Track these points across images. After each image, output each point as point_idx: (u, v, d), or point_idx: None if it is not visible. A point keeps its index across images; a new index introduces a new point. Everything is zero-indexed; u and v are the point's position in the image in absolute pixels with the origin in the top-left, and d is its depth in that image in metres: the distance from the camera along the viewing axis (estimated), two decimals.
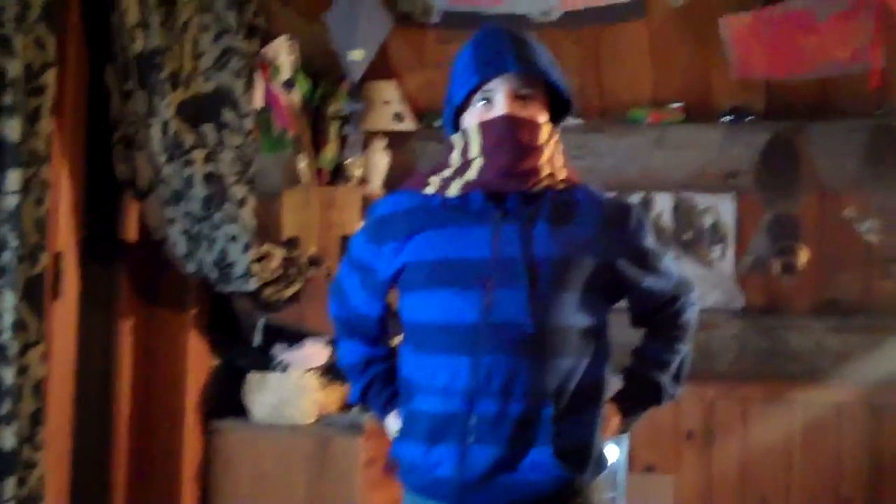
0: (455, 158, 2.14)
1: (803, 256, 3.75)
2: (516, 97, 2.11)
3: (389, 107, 4.00)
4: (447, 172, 2.16)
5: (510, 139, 2.10)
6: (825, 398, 4.41)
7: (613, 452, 4.58)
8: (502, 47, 2.12)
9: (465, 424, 2.06)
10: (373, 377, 2.31)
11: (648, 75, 3.88)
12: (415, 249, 2.14)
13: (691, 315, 2.35)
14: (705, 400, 4.53)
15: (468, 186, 2.13)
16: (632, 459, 4.55)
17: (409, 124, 4.11)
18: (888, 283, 3.73)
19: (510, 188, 2.12)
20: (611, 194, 2.26)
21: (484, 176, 2.11)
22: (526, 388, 2.06)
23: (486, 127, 2.11)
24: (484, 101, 2.12)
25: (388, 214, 2.20)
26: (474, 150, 2.12)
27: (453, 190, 2.13)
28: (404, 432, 2.15)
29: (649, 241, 2.27)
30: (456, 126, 2.18)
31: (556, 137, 2.20)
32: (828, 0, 3.45)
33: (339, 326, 2.35)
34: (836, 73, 3.61)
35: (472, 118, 2.13)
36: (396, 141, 4.13)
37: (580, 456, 2.09)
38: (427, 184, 2.18)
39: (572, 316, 2.11)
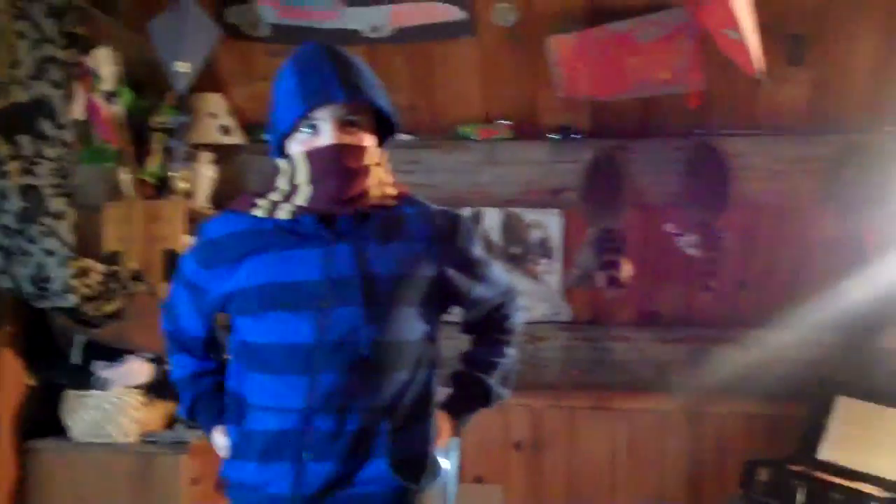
0: (283, 183, 2.14)
1: (627, 270, 3.85)
2: (343, 124, 2.12)
3: (216, 119, 3.92)
4: (275, 196, 2.14)
5: (337, 167, 2.11)
6: (648, 407, 4.54)
7: (444, 463, 4.60)
8: (327, 73, 2.10)
9: (301, 442, 2.06)
10: (201, 391, 2.29)
11: (478, 92, 3.92)
12: (246, 273, 2.12)
13: (517, 320, 2.41)
14: (533, 410, 4.60)
15: (298, 211, 2.12)
16: (461, 470, 4.58)
17: (236, 137, 4.04)
18: (707, 296, 3.86)
19: (340, 212, 2.12)
20: (440, 207, 2.28)
21: (313, 202, 2.11)
22: (363, 404, 2.08)
23: (313, 155, 2.11)
24: (310, 130, 2.12)
25: (217, 238, 2.17)
26: (302, 177, 2.11)
27: (283, 213, 2.12)
28: (236, 452, 2.13)
29: (477, 250, 2.31)
30: (282, 149, 2.17)
31: (384, 157, 2.22)
32: (650, 23, 3.54)
33: (169, 341, 2.34)
34: (658, 94, 3.72)
35: (299, 145, 2.12)
36: (223, 154, 4.07)
37: (416, 465, 2.13)
38: (256, 206, 2.16)
39: (408, 330, 2.14)
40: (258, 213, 2.15)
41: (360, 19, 3.60)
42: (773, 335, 4.29)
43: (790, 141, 3.81)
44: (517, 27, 3.64)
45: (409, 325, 2.14)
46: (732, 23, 2.92)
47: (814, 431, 4.09)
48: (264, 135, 3.29)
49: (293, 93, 2.11)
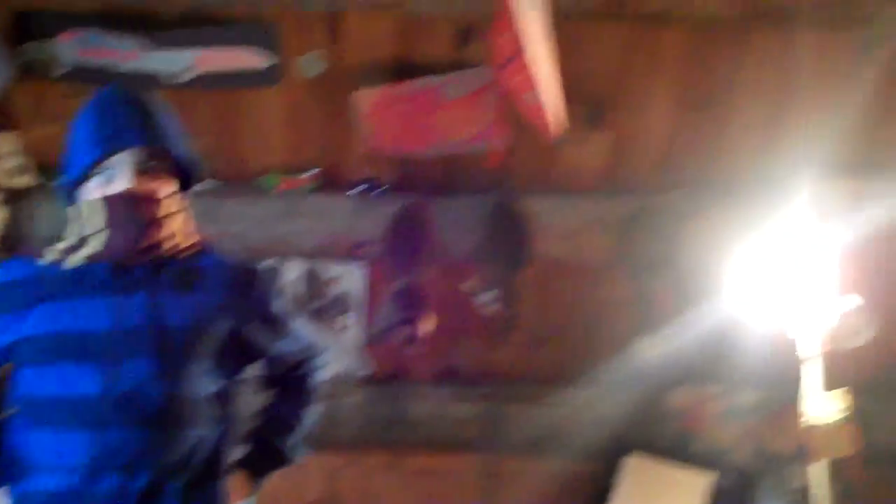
0: (75, 230, 2.07)
1: (427, 326, 3.85)
2: (141, 170, 2.07)
3: (8, 160, 3.73)
4: (67, 243, 2.07)
5: (132, 216, 2.06)
6: (446, 465, 4.54)
7: None
8: (125, 118, 2.08)
9: (85, 501, 1.97)
10: None
11: (283, 142, 3.87)
12: (33, 322, 2.03)
13: (320, 378, 2.38)
14: (329, 468, 4.52)
15: (91, 258, 2.06)
16: None
17: (28, 179, 3.85)
18: (505, 353, 3.90)
19: (135, 261, 2.07)
20: (240, 259, 2.24)
21: (107, 250, 2.06)
22: (152, 461, 2.01)
23: (108, 202, 2.06)
24: (105, 176, 2.06)
25: (2, 283, 2.08)
26: (95, 224, 2.06)
27: (74, 260, 2.06)
28: None
29: (278, 304, 2.27)
30: (76, 194, 2.09)
31: (184, 205, 2.16)
32: (455, 81, 3.59)
33: None
34: (462, 151, 3.77)
35: (94, 191, 2.07)
36: (14, 196, 3.86)
37: None
38: (45, 252, 2.07)
39: (202, 385, 2.09)
40: (47, 259, 2.07)
41: (163, 62, 3.50)
42: (568, 393, 4.38)
43: (587, 201, 3.92)
44: (324, 78, 3.62)
45: (204, 380, 2.09)
46: (531, 86, 2.99)
47: (605, 490, 4.19)
48: (58, 177, 3.14)
49: (89, 137, 2.07)
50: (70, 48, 3.45)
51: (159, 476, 2.02)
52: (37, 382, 2.03)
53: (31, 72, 3.50)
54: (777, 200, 3.74)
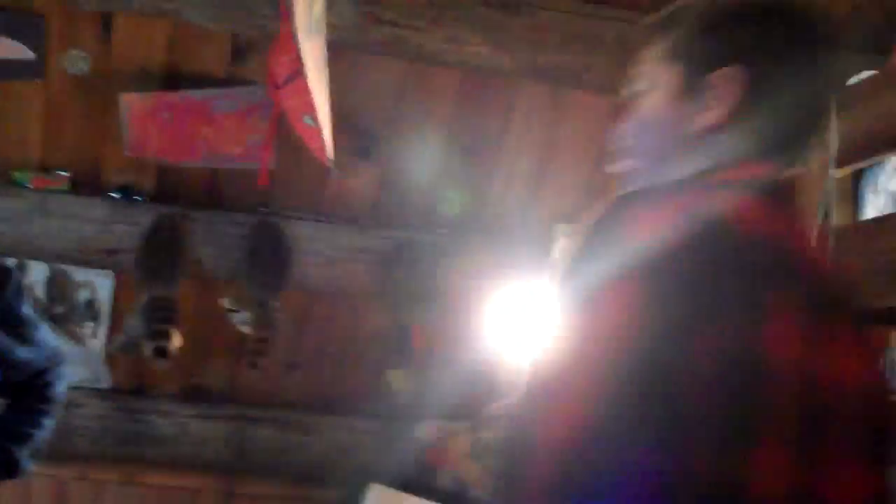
0: None
1: (176, 341, 3.74)
2: None
3: None
4: None
5: None
6: (182, 483, 4.42)
7: None
8: None
9: None
10: None
11: (38, 138, 3.67)
12: None
13: (61, 388, 2.30)
14: (58, 482, 4.33)
15: None
16: None
17: None
18: (254, 375, 3.83)
19: None
20: None
21: None
22: None
23: None
24: None
25: None
26: None
27: None
28: None
29: (26, 308, 2.19)
30: None
31: None
32: (227, 96, 3.52)
33: None
34: (227, 167, 3.70)
35: None
36: None
37: None
38: None
39: None
40: None
41: None
42: (316, 419, 4.35)
43: (352, 231, 3.92)
44: (89, 78, 3.47)
45: None
46: (310, 109, 2.96)
47: None
48: None
49: None
50: None
51: None
52: None
53: None
54: (536, 247, 3.87)
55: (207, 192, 3.89)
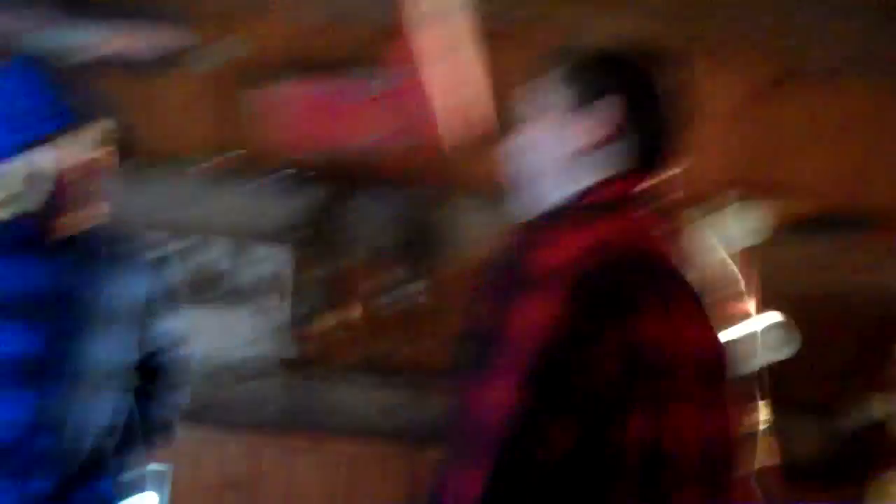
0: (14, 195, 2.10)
1: (354, 312, 3.85)
2: (93, 145, 2.17)
3: None
4: None
5: (83, 185, 2.15)
6: (368, 450, 4.55)
7: (152, 500, 4.46)
8: (73, 93, 2.16)
9: (23, 459, 2.03)
10: None
11: (211, 122, 3.85)
12: None
13: (180, 365, 2.67)
14: (251, 448, 4.53)
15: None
16: None
17: None
18: (431, 343, 3.90)
19: (64, 230, 2.15)
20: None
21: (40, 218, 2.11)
22: (84, 424, 2.14)
23: (63, 173, 2.11)
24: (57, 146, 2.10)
25: None
26: (41, 191, 2.09)
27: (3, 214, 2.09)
28: None
29: (160, 289, 2.37)
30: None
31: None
32: (369, 81, 3.61)
33: None
34: (382, 146, 3.78)
35: (45, 159, 2.09)
36: None
37: None
38: None
39: (113, 353, 2.22)
40: None
41: (74, 39, 3.48)
42: None
43: (507, 206, 3.90)
44: (243, 66, 3.62)
45: (111, 349, 2.26)
46: (456, 88, 2.99)
47: None
48: None
49: (46, 107, 2.11)
50: None
51: (96, 440, 2.16)
52: None
53: None
54: None
55: (370, 172, 3.98)
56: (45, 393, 2.07)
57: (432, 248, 3.82)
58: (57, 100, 2.12)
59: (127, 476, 2.33)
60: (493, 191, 3.86)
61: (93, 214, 2.18)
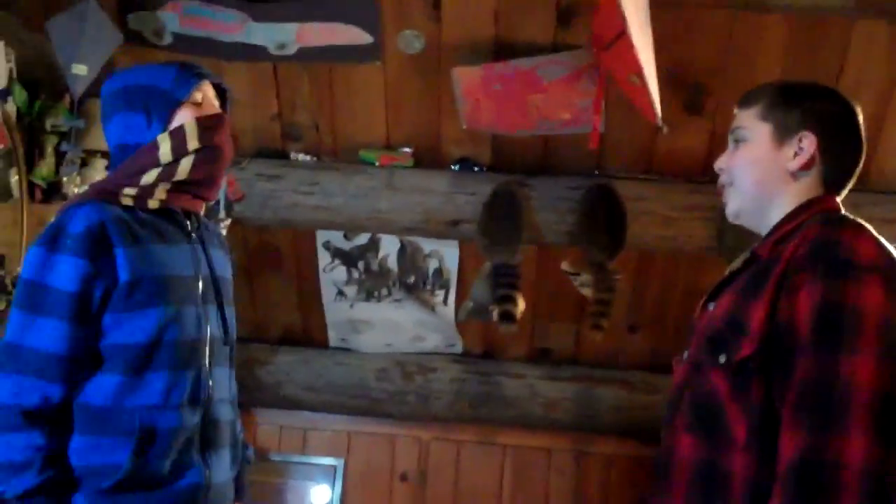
0: (164, 155, 2.16)
1: (520, 306, 3.85)
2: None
3: None
4: (148, 178, 2.14)
5: (222, 139, 2.27)
6: (535, 444, 4.57)
7: (325, 493, 4.56)
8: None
9: (182, 436, 2.09)
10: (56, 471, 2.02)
11: (382, 118, 3.90)
12: (129, 265, 2.08)
13: None
14: (421, 442, 4.59)
15: (171, 198, 2.18)
16: (344, 499, 4.55)
17: None
18: (597, 336, 3.88)
19: (210, 197, 2.30)
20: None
21: (195, 174, 2.20)
22: (230, 399, 2.29)
23: (204, 122, 2.22)
24: (196, 101, 2.23)
25: (93, 226, 2.06)
26: (190, 145, 2.18)
27: (153, 202, 2.16)
28: (136, 452, 2.04)
29: None
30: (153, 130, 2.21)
31: None
32: (554, 62, 3.57)
33: (33, 415, 1.99)
34: (559, 132, 3.75)
35: (185, 117, 2.20)
36: None
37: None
38: (121, 195, 2.14)
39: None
40: (126, 202, 2.16)
41: (264, 35, 3.55)
42: (661, 379, 4.35)
43: (685, 188, 3.86)
44: (423, 55, 3.64)
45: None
46: (636, 68, 2.95)
47: None
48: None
49: (176, 74, 2.22)
50: (172, 17, 3.53)
51: (233, 409, 2.30)
52: (147, 325, 2.08)
53: (135, 40, 3.60)
54: None
55: (541, 159, 3.97)
56: (200, 371, 2.15)
57: (607, 236, 3.78)
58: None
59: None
60: (668, 172, 3.87)
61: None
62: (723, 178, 2.05)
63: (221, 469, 2.19)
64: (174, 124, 2.18)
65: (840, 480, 1.57)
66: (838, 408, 1.61)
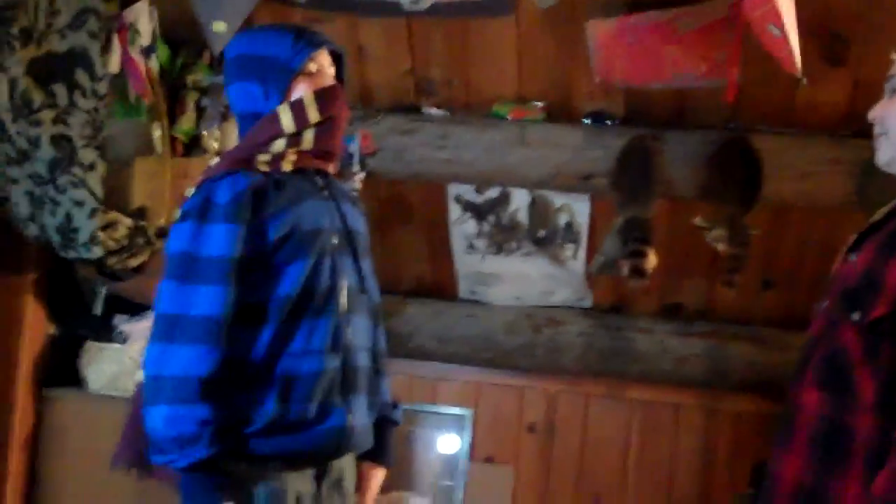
0: (287, 126, 2.23)
1: (652, 260, 3.83)
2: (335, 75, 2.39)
3: None
4: (278, 146, 2.19)
5: (340, 109, 2.32)
6: (664, 399, 4.55)
7: (454, 442, 4.64)
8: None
9: (330, 380, 2.18)
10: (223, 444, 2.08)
11: (513, 72, 3.89)
12: (275, 225, 2.18)
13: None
14: (548, 394, 4.62)
15: (301, 160, 2.24)
16: (472, 449, 4.61)
17: None
18: (730, 292, 3.83)
19: (333, 159, 2.36)
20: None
21: (317, 144, 2.27)
22: (370, 344, 2.38)
23: (323, 94, 2.27)
24: (311, 71, 2.28)
25: (239, 194, 2.16)
26: (311, 116, 2.24)
27: (286, 165, 2.24)
28: (281, 398, 2.13)
29: None
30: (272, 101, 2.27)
31: None
32: (690, 13, 3.51)
33: (206, 383, 2.06)
34: (694, 85, 3.69)
35: (302, 90, 2.26)
36: None
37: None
38: (256, 162, 2.21)
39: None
40: (262, 168, 2.23)
41: None
42: (794, 336, 4.27)
43: (824, 142, 3.77)
44: (557, 9, 3.61)
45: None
46: (776, 19, 2.88)
47: None
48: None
49: (292, 43, 2.25)
50: None
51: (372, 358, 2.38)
52: (293, 278, 2.17)
53: None
54: None
55: (675, 112, 3.92)
56: (338, 319, 2.22)
57: (742, 190, 3.72)
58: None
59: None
60: (807, 125, 3.78)
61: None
62: (876, 129, 1.96)
63: (361, 413, 2.26)
64: (293, 97, 2.25)
65: None
66: None
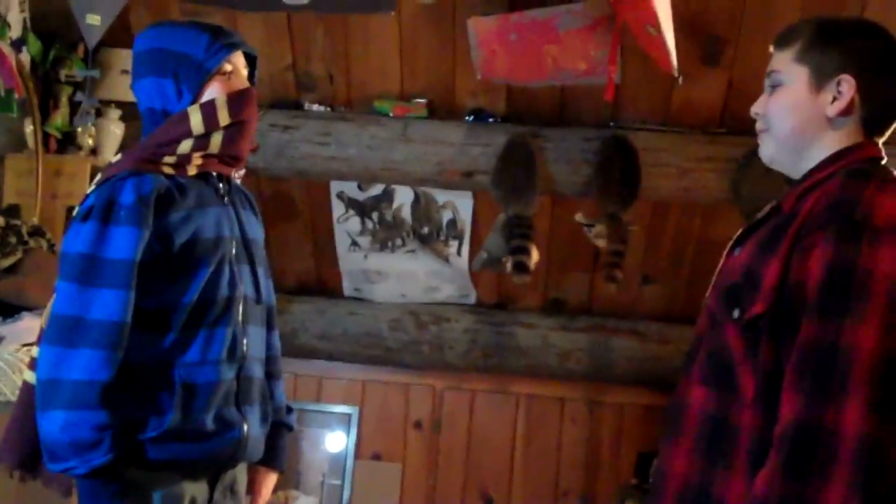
0: (196, 127, 2.17)
1: (535, 256, 3.86)
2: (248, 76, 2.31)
3: (126, 76, 3.83)
4: (184, 147, 2.15)
5: (251, 114, 2.25)
6: (548, 393, 4.60)
7: (340, 440, 4.62)
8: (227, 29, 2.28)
9: (222, 391, 2.15)
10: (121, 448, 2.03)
11: (396, 69, 3.89)
12: (179, 230, 2.12)
13: None
14: (435, 391, 4.63)
15: (207, 164, 2.19)
16: (359, 447, 4.60)
17: None
18: (611, 287, 3.89)
19: (240, 164, 2.31)
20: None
21: (224, 148, 2.20)
22: (263, 355, 2.34)
23: (235, 98, 2.21)
24: (224, 77, 2.21)
25: (144, 196, 2.09)
26: (221, 119, 2.18)
27: (192, 169, 2.17)
28: (178, 406, 2.09)
29: None
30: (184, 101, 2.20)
31: None
32: (570, 13, 3.55)
33: (103, 390, 2.00)
34: (575, 83, 3.73)
35: (215, 92, 2.19)
36: (131, 111, 3.98)
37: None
38: (161, 164, 2.15)
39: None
40: (167, 170, 2.17)
41: None
42: (675, 329, 4.36)
43: (700, 139, 3.84)
44: (438, 5, 3.62)
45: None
46: (653, 19, 2.94)
47: None
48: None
49: (208, 42, 2.18)
50: None
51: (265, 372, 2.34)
52: (192, 286, 2.12)
53: None
54: None
55: (556, 110, 3.96)
56: (235, 329, 2.19)
57: (622, 187, 3.77)
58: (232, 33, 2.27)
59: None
60: (684, 123, 3.85)
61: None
62: (759, 124, 1.93)
63: (255, 423, 2.24)
64: (205, 97, 2.19)
65: (833, 449, 1.55)
66: (838, 375, 1.57)
